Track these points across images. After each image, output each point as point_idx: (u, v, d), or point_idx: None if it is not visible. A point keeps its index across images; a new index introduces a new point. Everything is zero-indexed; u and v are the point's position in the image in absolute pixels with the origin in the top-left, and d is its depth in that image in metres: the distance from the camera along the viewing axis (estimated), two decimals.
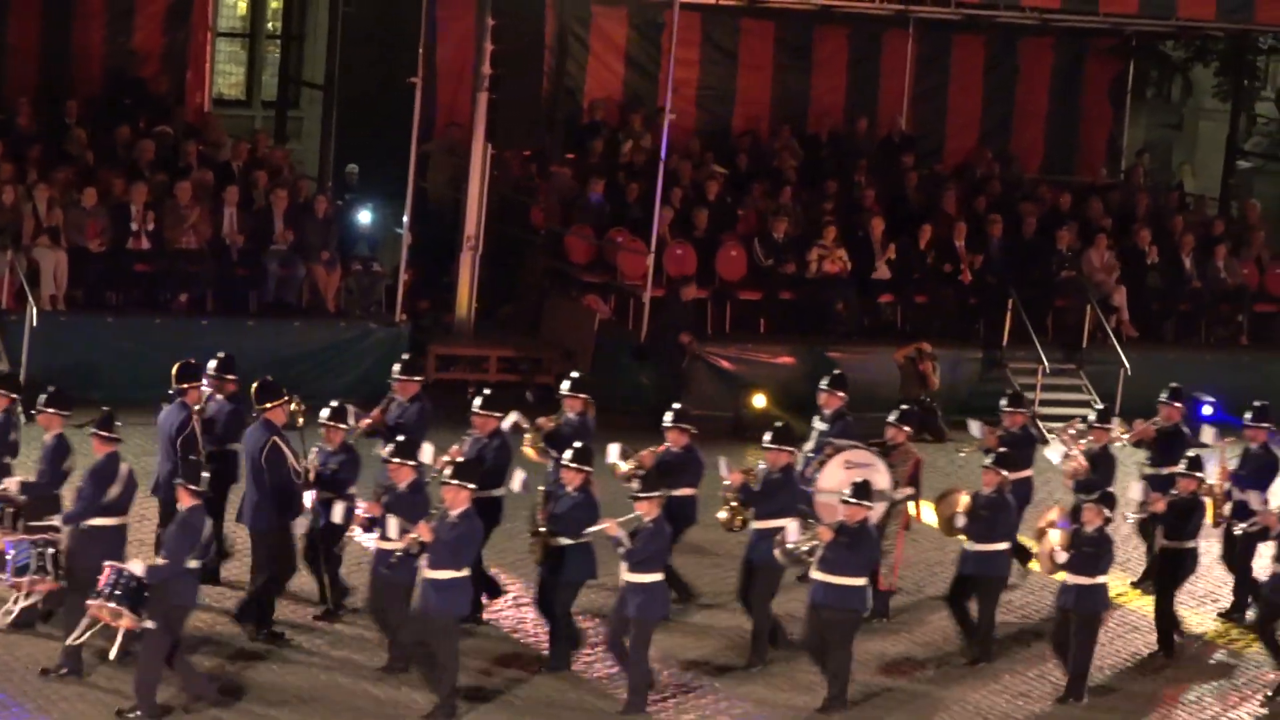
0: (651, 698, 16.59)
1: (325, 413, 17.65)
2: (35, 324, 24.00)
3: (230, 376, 18.63)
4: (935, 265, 28.43)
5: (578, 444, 17.34)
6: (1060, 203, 30.27)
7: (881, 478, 18.27)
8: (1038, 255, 28.91)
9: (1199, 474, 18.59)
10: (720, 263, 27.70)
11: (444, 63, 28.89)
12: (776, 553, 17.11)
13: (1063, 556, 17.07)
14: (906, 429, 19.26)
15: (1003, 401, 20.78)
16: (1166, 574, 18.85)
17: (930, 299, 28.44)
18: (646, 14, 30.20)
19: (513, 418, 18.36)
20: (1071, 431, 20.06)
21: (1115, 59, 33.34)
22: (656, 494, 16.29)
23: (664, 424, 18.65)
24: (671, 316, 26.42)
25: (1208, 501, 18.91)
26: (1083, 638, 17.27)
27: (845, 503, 16.63)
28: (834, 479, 18.42)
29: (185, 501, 15.71)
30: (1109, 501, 17.44)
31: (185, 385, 18.35)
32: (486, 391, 18.46)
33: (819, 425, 19.60)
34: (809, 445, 19.18)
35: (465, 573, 15.73)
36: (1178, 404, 20.79)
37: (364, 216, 28.15)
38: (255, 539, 17.45)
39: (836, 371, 20.91)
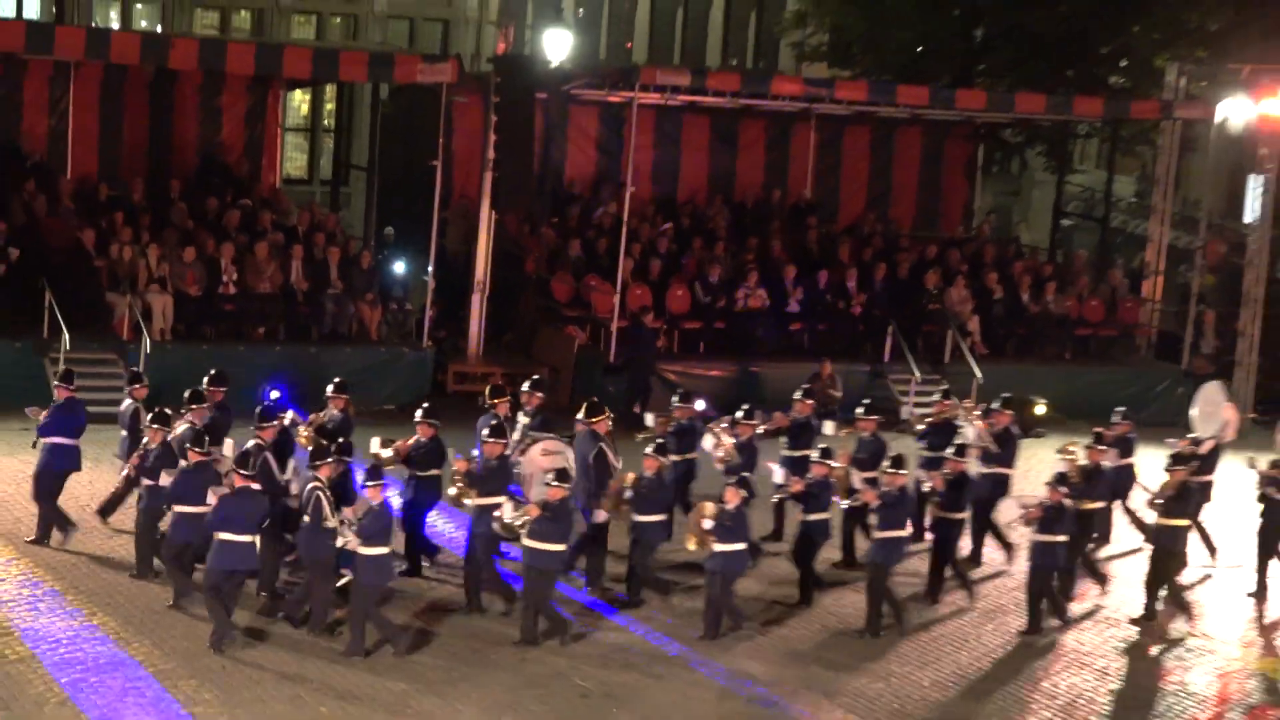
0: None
1: (149, 416, 17.54)
2: (148, 351, 24.37)
3: (70, 384, 18.48)
4: (832, 302, 29.02)
5: (340, 439, 17.42)
6: (927, 253, 30.86)
7: (570, 463, 18.42)
8: (911, 293, 29.59)
9: (830, 461, 18.75)
10: (670, 300, 28.25)
11: (458, 149, 29.07)
12: (495, 525, 17.20)
13: (709, 524, 17.22)
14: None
15: (674, 398, 20.65)
16: (805, 542, 18.94)
17: (829, 327, 28.97)
18: (612, 111, 30.74)
19: (289, 415, 18.00)
20: (724, 424, 19.90)
21: (968, 142, 34.20)
22: (378, 482, 16.09)
23: (415, 419, 18.38)
24: (643, 339, 26.76)
25: (836, 482, 19.04)
26: (722, 590, 17.43)
27: (548, 485, 16.79)
28: (534, 462, 18.54)
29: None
30: (745, 485, 17.77)
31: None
32: (274, 394, 18.30)
33: (523, 419, 19.33)
34: (515, 435, 18.80)
35: (247, 538, 15.86)
36: (809, 401, 20.81)
37: (398, 267, 28.58)
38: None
39: (536, 376, 20.28)
